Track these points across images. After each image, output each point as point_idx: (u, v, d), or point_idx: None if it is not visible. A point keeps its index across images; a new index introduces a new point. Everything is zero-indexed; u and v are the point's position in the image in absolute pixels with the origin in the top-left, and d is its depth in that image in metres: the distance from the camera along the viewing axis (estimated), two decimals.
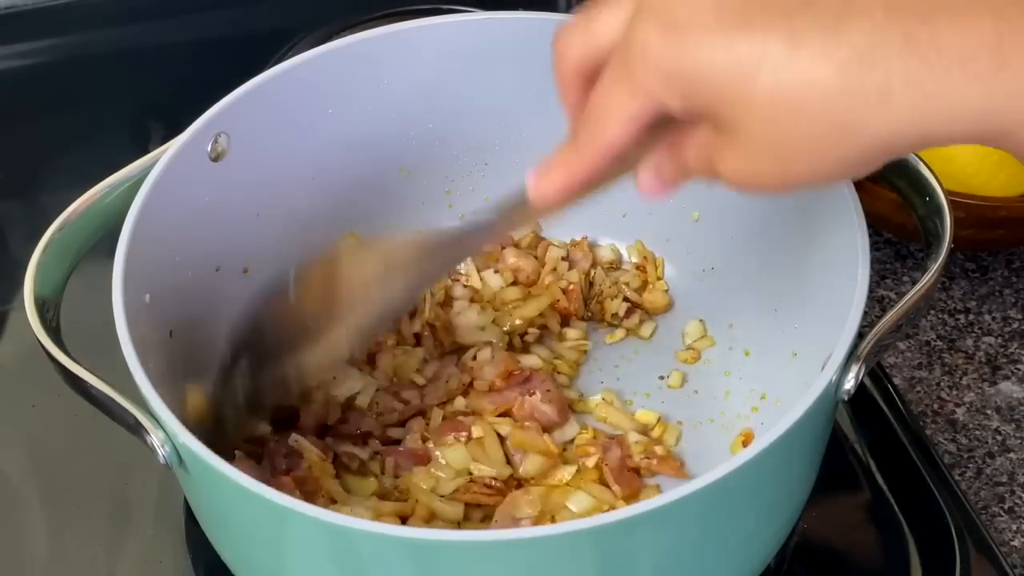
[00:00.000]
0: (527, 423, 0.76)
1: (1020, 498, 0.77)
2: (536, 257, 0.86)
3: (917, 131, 0.48)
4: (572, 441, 0.77)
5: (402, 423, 0.78)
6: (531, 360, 0.81)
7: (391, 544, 0.58)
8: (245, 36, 1.11)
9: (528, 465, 0.75)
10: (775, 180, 0.52)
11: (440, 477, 0.74)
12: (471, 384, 0.79)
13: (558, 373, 0.81)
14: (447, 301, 0.84)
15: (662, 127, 0.55)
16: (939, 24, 0.46)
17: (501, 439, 0.76)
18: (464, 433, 0.75)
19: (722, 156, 0.52)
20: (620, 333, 0.84)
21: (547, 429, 0.77)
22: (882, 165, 0.50)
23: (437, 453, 0.74)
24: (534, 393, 0.77)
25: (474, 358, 0.79)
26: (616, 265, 0.87)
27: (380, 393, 0.78)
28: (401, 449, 0.75)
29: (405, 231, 0.85)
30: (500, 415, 0.77)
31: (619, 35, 0.53)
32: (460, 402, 0.78)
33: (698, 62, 0.49)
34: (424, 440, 0.76)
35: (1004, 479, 0.78)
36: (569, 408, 0.79)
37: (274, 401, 0.74)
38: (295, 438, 0.73)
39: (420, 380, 0.79)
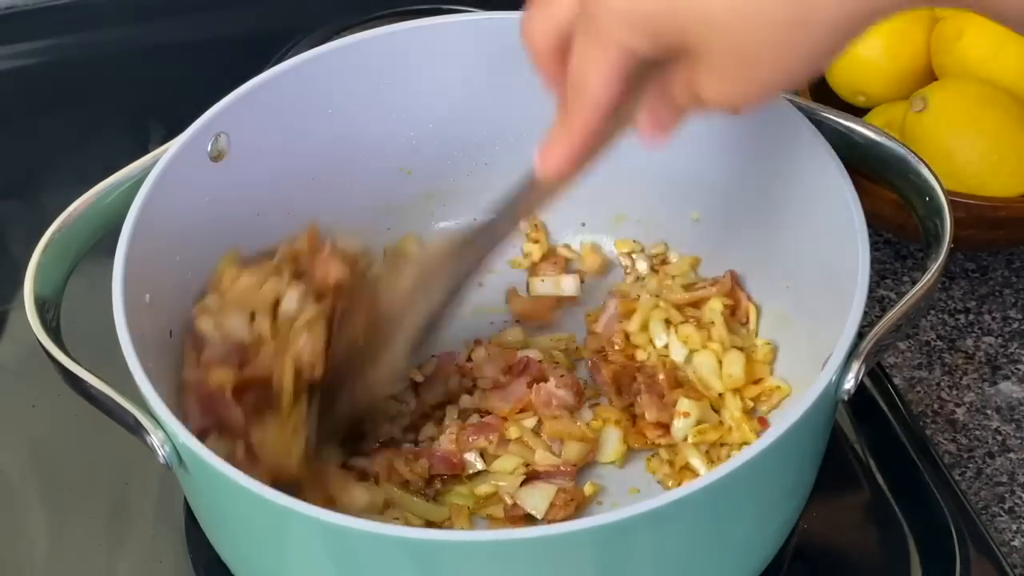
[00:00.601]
0: (554, 412, 0.76)
1: (1020, 498, 0.77)
2: None
3: (867, 7, 0.51)
4: (589, 424, 0.76)
5: (414, 426, 0.77)
6: (528, 352, 0.80)
7: (391, 544, 0.58)
8: (245, 36, 1.11)
9: (568, 452, 0.74)
10: (755, 89, 0.55)
11: (501, 486, 0.73)
12: (474, 385, 0.78)
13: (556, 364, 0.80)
14: None
15: (645, 75, 0.58)
16: None
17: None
18: (494, 435, 0.75)
19: (701, 82, 0.55)
20: None
21: None
22: (844, 50, 0.53)
23: (468, 456, 0.74)
24: (547, 380, 0.77)
25: (469, 359, 0.79)
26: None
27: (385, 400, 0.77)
28: (437, 453, 0.74)
29: (405, 231, 0.86)
30: (519, 412, 0.76)
31: (576, 4, 0.57)
32: (467, 399, 0.78)
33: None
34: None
35: (1004, 479, 0.78)
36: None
37: (344, 429, 0.73)
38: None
39: (419, 377, 0.79)
